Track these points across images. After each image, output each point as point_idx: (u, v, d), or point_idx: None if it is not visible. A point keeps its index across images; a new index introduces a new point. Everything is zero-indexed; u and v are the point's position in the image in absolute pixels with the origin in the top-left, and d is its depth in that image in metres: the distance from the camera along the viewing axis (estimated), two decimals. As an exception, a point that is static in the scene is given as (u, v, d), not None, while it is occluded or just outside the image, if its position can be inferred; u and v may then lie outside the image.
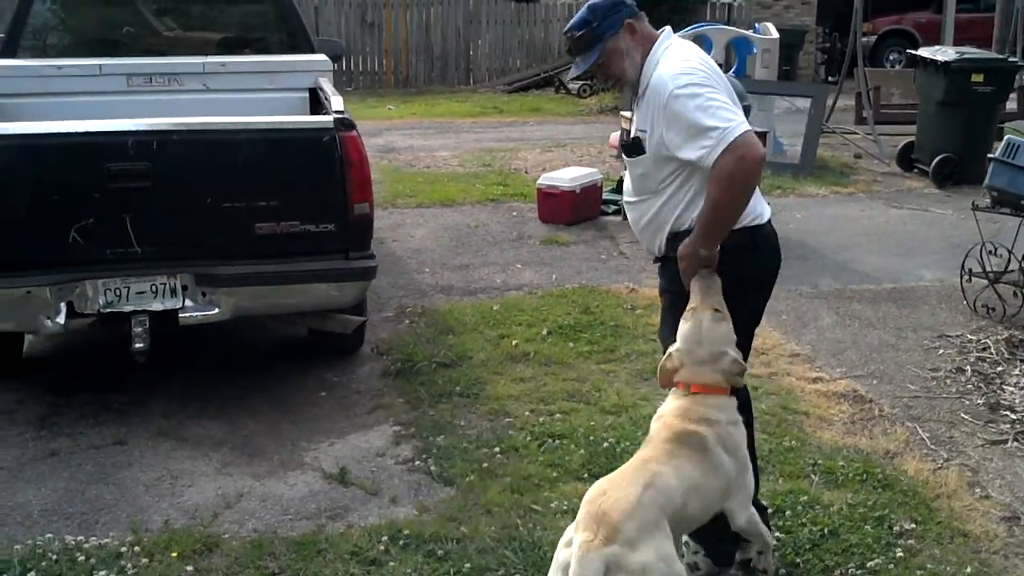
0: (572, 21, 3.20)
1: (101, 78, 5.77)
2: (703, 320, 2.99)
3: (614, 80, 3.27)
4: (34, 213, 4.35)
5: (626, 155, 3.26)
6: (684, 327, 3.04)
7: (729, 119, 2.94)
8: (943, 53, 9.57)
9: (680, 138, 3.01)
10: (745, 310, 3.18)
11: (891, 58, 18.97)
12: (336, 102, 4.91)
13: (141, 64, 5.90)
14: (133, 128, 4.43)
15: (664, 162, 3.12)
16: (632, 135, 3.21)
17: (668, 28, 3.25)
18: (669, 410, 3.03)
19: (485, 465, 4.13)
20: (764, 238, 3.21)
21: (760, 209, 3.20)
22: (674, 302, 3.22)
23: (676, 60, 3.10)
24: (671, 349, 3.07)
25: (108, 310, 4.43)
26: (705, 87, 3.00)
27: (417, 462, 4.23)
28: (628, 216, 3.47)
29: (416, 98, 16.41)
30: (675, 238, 3.16)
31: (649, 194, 3.21)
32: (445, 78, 18.17)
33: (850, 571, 3.41)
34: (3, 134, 4.44)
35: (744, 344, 3.19)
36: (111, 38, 6.61)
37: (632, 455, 3.03)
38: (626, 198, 3.37)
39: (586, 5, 3.19)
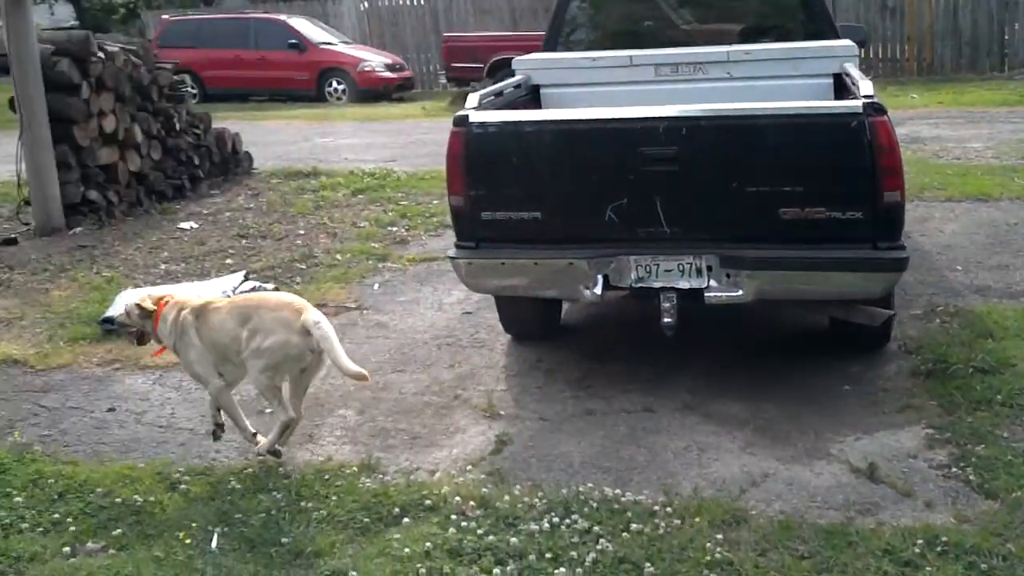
0: None
1: (631, 68, 6.09)
2: None
3: None
4: (575, 193, 4.70)
5: None
6: None
7: None
8: None
9: None
10: None
11: None
12: (865, 86, 4.68)
13: (668, 55, 6.12)
14: (664, 115, 4.59)
15: None
16: None
17: None
18: None
19: (1035, 482, 3.73)
20: None
21: None
22: None
23: None
24: None
25: (639, 285, 4.67)
26: None
27: (954, 469, 3.95)
28: None
29: (942, 86, 15.31)
30: None
31: None
32: (975, 65, 16.76)
33: None
34: (548, 120, 4.85)
35: None
36: (635, 31, 6.98)
37: None
38: None
39: None
